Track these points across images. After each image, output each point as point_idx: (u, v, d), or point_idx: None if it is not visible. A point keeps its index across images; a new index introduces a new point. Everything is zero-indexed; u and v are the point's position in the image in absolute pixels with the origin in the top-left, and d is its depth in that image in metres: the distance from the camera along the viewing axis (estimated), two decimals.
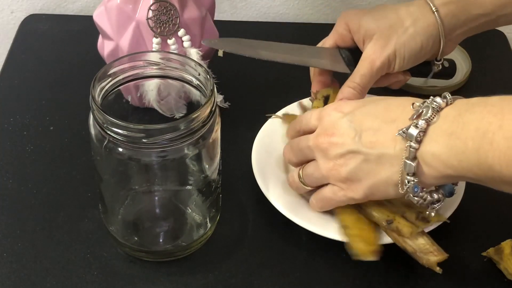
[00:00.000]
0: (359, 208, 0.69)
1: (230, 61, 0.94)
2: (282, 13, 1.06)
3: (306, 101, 0.83)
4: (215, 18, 0.86)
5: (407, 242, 0.67)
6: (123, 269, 0.71)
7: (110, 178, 0.69)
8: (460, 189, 0.72)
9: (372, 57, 0.75)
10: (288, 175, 0.74)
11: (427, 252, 0.66)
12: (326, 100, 0.79)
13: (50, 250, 0.72)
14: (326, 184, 0.69)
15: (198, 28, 0.81)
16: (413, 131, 0.60)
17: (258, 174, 0.75)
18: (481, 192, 0.67)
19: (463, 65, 0.93)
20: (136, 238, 0.72)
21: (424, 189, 0.63)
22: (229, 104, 0.86)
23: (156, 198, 0.75)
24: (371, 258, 0.67)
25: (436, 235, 0.68)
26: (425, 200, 0.64)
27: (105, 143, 0.63)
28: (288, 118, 0.81)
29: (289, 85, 0.92)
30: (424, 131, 0.60)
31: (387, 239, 0.69)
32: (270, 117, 0.82)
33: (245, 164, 0.78)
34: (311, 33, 1.02)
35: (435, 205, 0.65)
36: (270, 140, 0.80)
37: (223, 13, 1.05)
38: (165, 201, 0.76)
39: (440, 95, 0.61)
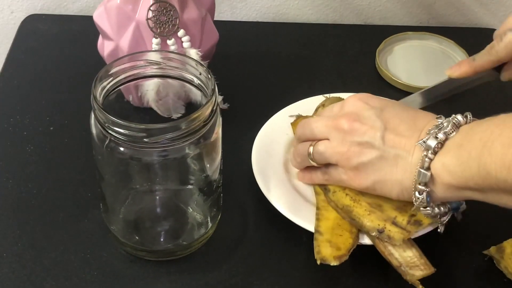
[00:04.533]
0: (351, 219, 0.68)
1: (230, 62, 0.94)
2: (282, 13, 1.06)
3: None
4: (215, 18, 0.86)
5: (393, 254, 0.66)
6: (124, 269, 0.71)
7: (111, 178, 0.69)
8: None
9: None
10: (292, 150, 0.73)
11: (413, 266, 0.64)
12: None
13: (50, 250, 0.72)
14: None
15: (198, 28, 0.81)
16: (432, 143, 0.62)
17: (258, 174, 0.75)
18: None
19: None
20: (137, 238, 0.72)
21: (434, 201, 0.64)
22: (228, 105, 0.86)
23: (157, 197, 0.75)
24: (334, 263, 0.65)
25: (437, 234, 0.68)
26: (433, 212, 0.65)
27: (106, 142, 0.63)
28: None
29: (289, 85, 0.92)
30: (442, 143, 0.62)
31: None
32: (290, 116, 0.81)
33: (246, 164, 0.77)
34: (311, 33, 1.03)
35: (443, 219, 0.66)
36: (270, 140, 0.80)
37: (223, 13, 1.05)
38: (166, 201, 0.75)
39: (462, 113, 0.63)
